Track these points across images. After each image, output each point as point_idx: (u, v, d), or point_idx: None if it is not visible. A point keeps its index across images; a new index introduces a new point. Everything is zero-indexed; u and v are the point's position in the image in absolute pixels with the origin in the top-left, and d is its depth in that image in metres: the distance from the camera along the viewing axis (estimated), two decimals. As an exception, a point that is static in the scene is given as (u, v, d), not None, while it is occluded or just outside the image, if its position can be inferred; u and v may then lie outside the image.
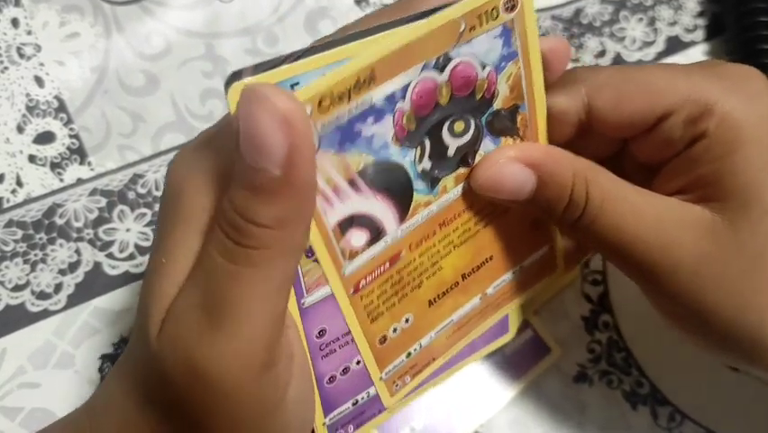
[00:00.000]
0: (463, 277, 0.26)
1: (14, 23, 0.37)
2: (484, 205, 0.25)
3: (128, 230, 0.34)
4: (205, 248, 0.19)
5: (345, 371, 0.25)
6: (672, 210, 0.24)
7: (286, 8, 0.39)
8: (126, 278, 0.33)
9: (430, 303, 0.26)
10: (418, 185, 0.23)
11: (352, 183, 0.21)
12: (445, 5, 0.21)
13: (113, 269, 0.33)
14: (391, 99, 0.21)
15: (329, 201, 0.21)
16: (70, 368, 0.32)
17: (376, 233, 0.23)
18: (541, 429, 0.32)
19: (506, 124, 0.24)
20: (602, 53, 0.40)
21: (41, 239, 0.33)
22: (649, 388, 0.33)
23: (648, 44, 0.41)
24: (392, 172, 0.22)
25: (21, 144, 0.35)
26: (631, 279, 0.25)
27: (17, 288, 0.32)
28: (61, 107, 0.36)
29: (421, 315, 0.26)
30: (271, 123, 0.17)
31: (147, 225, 0.34)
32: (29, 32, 0.37)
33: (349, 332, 0.24)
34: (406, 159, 0.22)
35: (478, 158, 0.24)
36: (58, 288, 0.33)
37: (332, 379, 0.24)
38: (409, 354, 0.26)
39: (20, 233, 0.33)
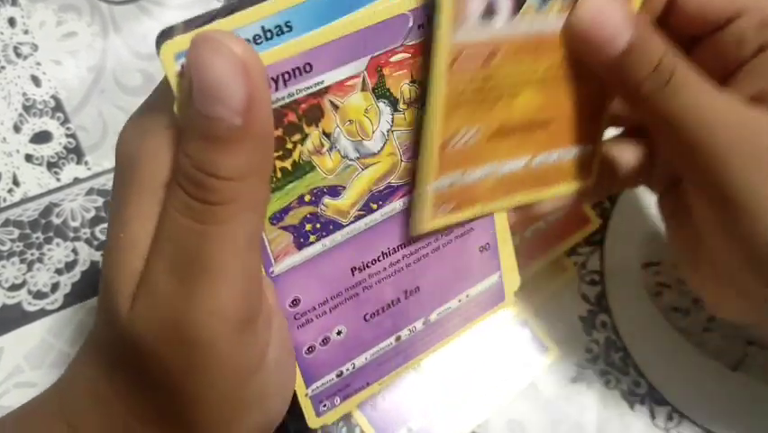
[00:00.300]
0: (525, 125, 0.25)
1: (11, 22, 0.37)
2: (571, 60, 0.24)
3: (125, 229, 0.34)
4: (167, 211, 0.19)
5: (325, 341, 0.24)
6: (749, 110, 0.23)
7: (283, 7, 0.39)
8: (123, 277, 0.33)
9: (492, 135, 0.24)
10: None
11: None
12: None
13: (109, 268, 0.33)
14: None
15: None
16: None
17: (489, 7, 0.21)
18: (538, 430, 0.32)
19: None
20: None
21: (37, 238, 0.33)
22: (647, 388, 0.33)
23: None
24: None
25: (17, 144, 0.35)
26: (680, 166, 0.25)
27: (14, 287, 0.32)
28: (58, 107, 0.36)
29: (484, 139, 0.24)
30: (229, 69, 0.17)
31: (144, 224, 0.34)
32: (26, 32, 0.37)
33: (326, 301, 0.24)
34: None
35: None
36: (54, 287, 0.33)
37: (311, 349, 0.24)
38: (462, 175, 0.25)
39: (16, 232, 0.33)
